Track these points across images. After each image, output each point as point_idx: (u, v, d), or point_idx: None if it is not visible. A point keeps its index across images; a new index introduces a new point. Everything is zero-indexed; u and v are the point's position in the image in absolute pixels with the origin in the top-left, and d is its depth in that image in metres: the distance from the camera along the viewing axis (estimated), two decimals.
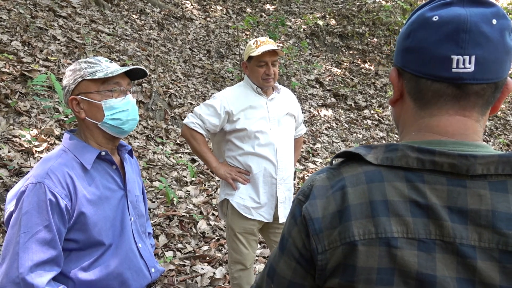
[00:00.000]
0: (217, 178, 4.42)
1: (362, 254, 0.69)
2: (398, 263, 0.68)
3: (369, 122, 7.26)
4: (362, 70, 8.77)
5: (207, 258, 3.30)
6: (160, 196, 3.91)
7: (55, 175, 1.32)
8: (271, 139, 2.39)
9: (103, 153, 1.44)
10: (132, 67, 1.47)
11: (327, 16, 9.98)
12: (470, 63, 0.70)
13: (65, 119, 4.02)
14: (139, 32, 6.74)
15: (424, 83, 0.74)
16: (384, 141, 6.77)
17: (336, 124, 6.98)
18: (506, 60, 0.72)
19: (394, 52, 0.84)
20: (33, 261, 1.25)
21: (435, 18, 0.72)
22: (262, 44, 2.35)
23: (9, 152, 3.34)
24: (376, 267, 0.69)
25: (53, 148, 3.62)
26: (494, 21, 0.70)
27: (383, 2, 10.24)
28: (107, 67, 1.44)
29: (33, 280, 1.24)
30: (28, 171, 3.23)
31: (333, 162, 0.80)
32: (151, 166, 4.26)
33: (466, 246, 0.67)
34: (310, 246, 0.75)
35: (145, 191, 3.89)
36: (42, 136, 3.66)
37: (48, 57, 4.67)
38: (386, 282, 0.68)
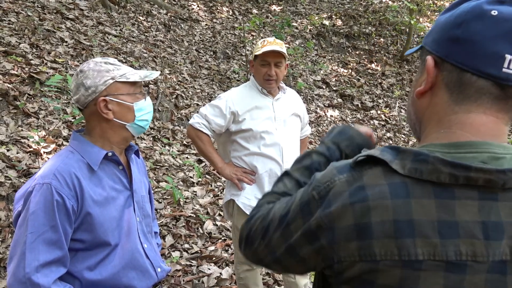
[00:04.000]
0: (223, 179, 4.43)
1: (383, 273, 0.67)
2: (421, 285, 0.65)
3: (376, 122, 7.24)
4: (369, 70, 8.75)
5: (214, 258, 3.30)
6: (167, 197, 3.92)
7: (62, 176, 1.33)
8: (277, 139, 2.39)
9: (109, 154, 1.44)
10: (157, 72, 1.51)
11: (333, 16, 9.97)
12: None
13: (73, 120, 4.05)
14: (145, 34, 6.77)
15: (468, 78, 0.69)
16: (391, 142, 6.74)
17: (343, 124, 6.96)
18: None
19: (428, 42, 0.77)
20: (39, 261, 1.26)
21: (494, 12, 0.68)
22: (269, 44, 2.35)
23: (17, 153, 3.38)
24: (396, 286, 0.66)
25: (61, 149, 3.65)
26: None
27: (390, 2, 10.21)
28: (131, 70, 1.47)
29: (39, 280, 1.25)
30: (36, 172, 3.26)
31: (356, 161, 0.74)
32: (158, 167, 4.28)
33: (497, 262, 0.65)
34: (316, 253, 0.73)
35: (152, 191, 3.90)
36: (50, 137, 3.70)
37: (56, 59, 4.71)
38: None
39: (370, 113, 7.47)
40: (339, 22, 9.81)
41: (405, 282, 0.66)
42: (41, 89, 4.16)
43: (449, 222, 0.65)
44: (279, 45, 2.36)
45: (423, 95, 0.77)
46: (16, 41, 4.65)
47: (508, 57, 0.66)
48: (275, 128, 2.40)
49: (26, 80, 4.16)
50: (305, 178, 0.92)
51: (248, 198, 2.41)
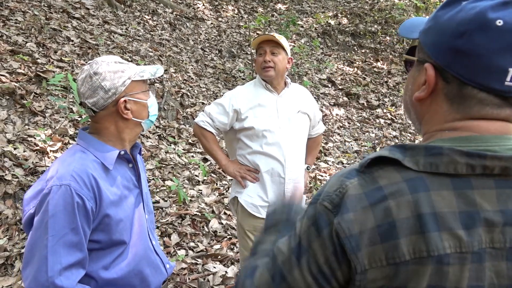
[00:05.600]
0: (228, 177, 4.44)
1: (413, 274, 0.64)
2: (449, 281, 0.63)
3: (382, 121, 7.21)
4: (375, 69, 8.71)
5: (219, 256, 3.31)
6: (172, 195, 3.93)
7: (80, 177, 1.30)
8: (279, 138, 2.37)
9: (122, 152, 1.44)
10: (161, 67, 1.53)
11: (339, 14, 9.94)
12: None
13: (79, 119, 4.07)
14: (151, 33, 6.79)
15: (469, 91, 0.68)
16: (397, 140, 6.71)
17: (348, 123, 6.94)
18: None
19: (427, 43, 0.74)
20: (62, 264, 1.25)
21: (499, 23, 0.64)
22: (265, 36, 2.41)
23: (24, 151, 3.40)
24: (424, 286, 0.64)
25: (67, 148, 3.67)
26: None
27: (396, 0, 10.16)
28: (140, 68, 1.47)
29: (62, 283, 1.24)
30: (43, 171, 3.27)
31: (364, 164, 0.71)
32: (164, 166, 4.29)
33: None
34: (339, 265, 0.68)
35: (155, 189, 3.90)
36: (57, 136, 3.72)
37: (62, 58, 4.73)
38: None
39: (376, 111, 7.44)
40: (344, 21, 9.77)
41: (434, 279, 0.64)
42: (48, 88, 4.18)
43: (470, 212, 0.64)
44: (274, 35, 2.40)
45: (422, 101, 0.75)
46: (23, 40, 4.68)
47: (511, 70, 0.65)
48: (278, 126, 2.39)
49: (33, 79, 4.19)
50: (284, 231, 0.85)
51: (250, 196, 2.41)
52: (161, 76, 5.55)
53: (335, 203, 0.69)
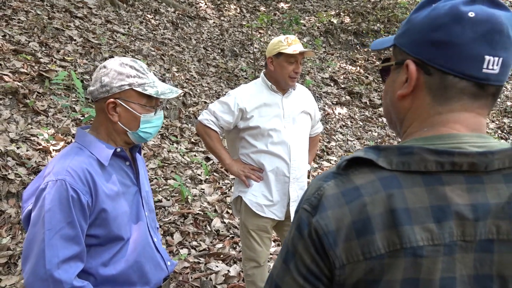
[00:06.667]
0: (231, 176, 4.44)
1: (388, 267, 0.67)
2: (423, 272, 0.66)
3: (384, 120, 7.19)
4: (377, 67, 8.69)
5: (222, 255, 3.31)
6: (175, 194, 3.94)
7: (75, 172, 1.32)
8: (285, 137, 2.38)
9: (118, 150, 1.46)
10: (179, 90, 1.51)
11: (341, 13, 9.92)
12: (497, 64, 0.70)
13: (82, 118, 4.07)
14: (153, 32, 6.79)
15: (451, 80, 0.72)
16: (400, 140, 6.69)
17: (351, 122, 6.93)
18: None
19: (405, 43, 0.78)
20: (59, 257, 1.27)
21: (471, 14, 0.69)
22: (294, 43, 2.35)
23: (27, 150, 3.41)
24: (400, 279, 0.67)
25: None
26: None
27: None
28: (153, 82, 1.47)
29: (60, 276, 1.26)
30: (43, 169, 3.28)
31: (340, 166, 0.74)
32: (166, 165, 4.30)
33: (484, 241, 0.67)
34: (323, 262, 0.71)
35: (158, 188, 3.91)
36: (59, 135, 3.72)
37: (65, 57, 4.74)
38: None
39: (379, 110, 7.42)
40: (347, 19, 9.75)
41: (409, 272, 0.66)
42: (50, 87, 4.19)
43: (441, 206, 0.67)
44: (302, 45, 2.38)
45: (405, 98, 0.78)
46: (26, 40, 4.69)
47: (487, 58, 0.69)
48: (283, 126, 2.39)
49: (36, 79, 4.20)
50: None
51: (254, 195, 2.41)
52: (164, 75, 5.56)
53: (313, 205, 0.72)
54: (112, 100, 1.41)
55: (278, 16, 9.25)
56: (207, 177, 4.36)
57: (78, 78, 4.18)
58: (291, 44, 2.35)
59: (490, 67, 0.70)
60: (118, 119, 1.43)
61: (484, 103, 0.74)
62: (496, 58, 0.70)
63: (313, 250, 0.71)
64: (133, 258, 1.46)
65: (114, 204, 1.41)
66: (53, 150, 3.55)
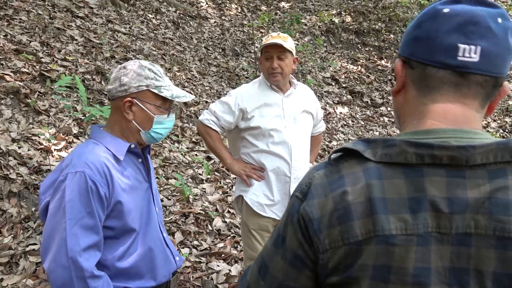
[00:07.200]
0: (232, 176, 4.44)
1: (362, 252, 0.70)
2: (395, 260, 0.68)
3: (386, 119, 7.18)
4: (379, 67, 8.68)
5: (223, 255, 3.31)
6: (176, 194, 3.94)
7: (94, 164, 1.38)
8: (286, 137, 2.37)
9: (132, 146, 1.52)
10: (192, 96, 1.59)
11: (342, 13, 9.90)
12: (475, 53, 0.72)
13: (83, 117, 4.08)
14: (154, 32, 6.79)
15: (430, 71, 0.76)
16: None
17: (352, 121, 6.92)
18: (508, 59, 0.75)
19: (399, 48, 0.85)
20: (80, 245, 1.32)
21: (446, 10, 0.75)
22: (272, 39, 2.33)
23: (28, 150, 3.41)
24: (372, 264, 0.69)
25: (71, 147, 3.68)
26: (500, 20, 0.73)
27: None
28: (168, 85, 1.54)
29: (82, 263, 1.31)
30: (48, 170, 3.29)
31: (332, 157, 0.79)
32: (167, 164, 4.30)
33: (461, 234, 0.68)
34: (309, 247, 0.75)
35: (159, 187, 3.91)
36: (61, 134, 3.73)
37: (66, 57, 4.74)
38: (381, 279, 0.69)
39: (380, 109, 7.41)
40: (348, 19, 9.74)
41: (381, 258, 0.69)
42: (52, 87, 4.19)
43: (418, 197, 0.69)
44: (282, 39, 2.33)
45: (398, 94, 0.84)
46: (27, 39, 4.70)
47: (461, 46, 0.73)
48: (284, 126, 2.39)
49: (37, 78, 4.20)
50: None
51: (256, 195, 2.41)
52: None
53: (304, 192, 0.78)
54: (129, 99, 1.48)
55: (279, 15, 9.24)
56: (208, 176, 4.36)
57: (79, 78, 4.18)
58: (268, 40, 2.33)
59: (467, 55, 0.72)
60: (132, 118, 1.50)
61: (468, 92, 0.75)
62: (473, 47, 0.72)
63: (300, 235, 0.76)
64: (144, 251, 1.52)
65: (129, 197, 1.47)
66: (55, 149, 3.55)
